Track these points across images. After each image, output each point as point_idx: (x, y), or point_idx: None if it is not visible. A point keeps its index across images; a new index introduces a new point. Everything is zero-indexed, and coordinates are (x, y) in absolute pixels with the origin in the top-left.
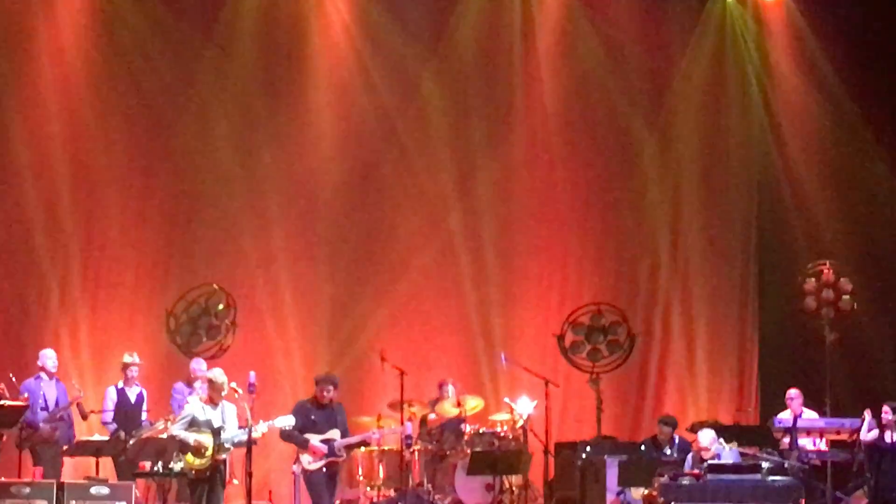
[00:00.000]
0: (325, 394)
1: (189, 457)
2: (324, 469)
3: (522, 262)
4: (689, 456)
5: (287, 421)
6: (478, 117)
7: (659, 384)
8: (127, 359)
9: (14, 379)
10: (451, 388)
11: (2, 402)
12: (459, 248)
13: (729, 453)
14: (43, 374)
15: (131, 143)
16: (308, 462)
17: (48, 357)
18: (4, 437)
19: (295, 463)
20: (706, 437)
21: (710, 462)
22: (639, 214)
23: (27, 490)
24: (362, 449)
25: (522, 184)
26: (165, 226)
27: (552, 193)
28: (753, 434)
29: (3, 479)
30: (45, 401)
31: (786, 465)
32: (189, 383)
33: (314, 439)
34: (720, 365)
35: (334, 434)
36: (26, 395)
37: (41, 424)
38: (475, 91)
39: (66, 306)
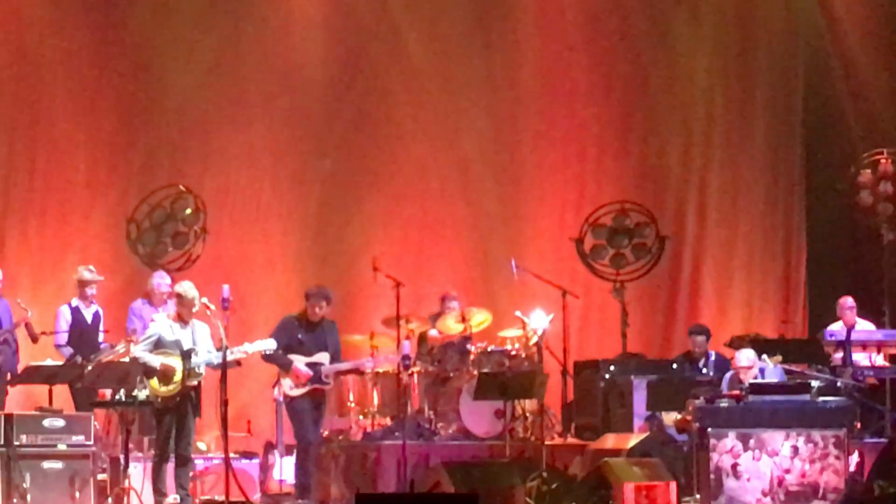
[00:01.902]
0: (316, 310)
1: (154, 383)
2: (308, 395)
3: (534, 153)
4: (727, 377)
5: (267, 345)
6: None
7: (692, 293)
8: (86, 275)
9: None
10: (455, 303)
11: None
12: (462, 137)
13: (773, 371)
14: None
15: (81, 18)
16: (289, 387)
17: None
18: None
19: (275, 386)
20: (745, 356)
21: (752, 382)
22: (667, 99)
23: None
24: None
25: (534, 62)
26: (122, 120)
27: (568, 74)
28: (801, 349)
29: None
30: None
31: (838, 384)
32: (150, 301)
33: (299, 361)
34: (762, 270)
35: (323, 357)
36: None
37: None
38: None
39: (10, 212)
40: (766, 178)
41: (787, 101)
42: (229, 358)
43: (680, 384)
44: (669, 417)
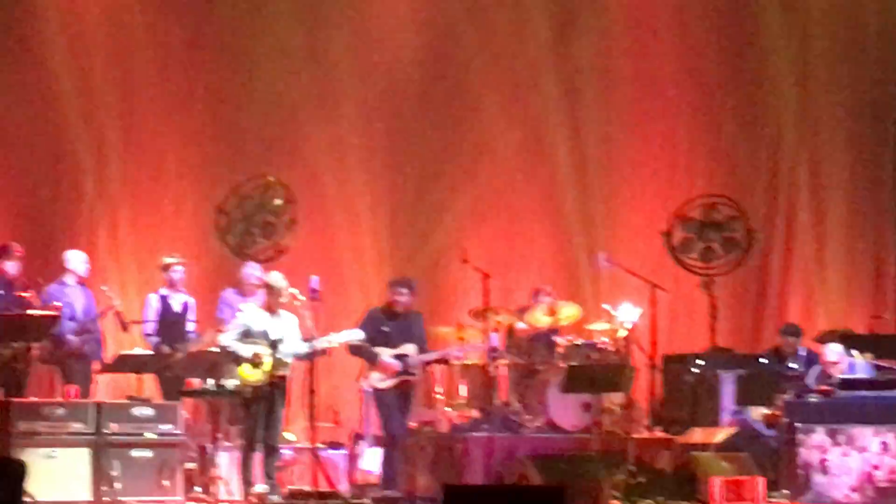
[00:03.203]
0: (399, 299)
1: (243, 372)
2: (395, 387)
3: (623, 147)
4: (814, 371)
5: (355, 335)
6: None
7: (782, 287)
8: (167, 259)
9: (43, 284)
10: (547, 297)
11: (30, 311)
12: (551, 130)
13: (863, 366)
14: (68, 279)
15: (173, 18)
16: (377, 379)
17: (76, 259)
18: (34, 352)
19: (363, 379)
20: (833, 351)
21: (842, 377)
22: (758, 91)
23: (61, 411)
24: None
25: (624, 54)
26: (213, 112)
27: (658, 67)
28: (892, 345)
29: (34, 398)
30: (72, 309)
31: None
32: (240, 291)
33: (385, 353)
34: (853, 265)
35: (409, 348)
36: (56, 303)
37: (69, 336)
38: None
39: (101, 202)
40: (856, 173)
41: (878, 94)
42: (317, 348)
43: (769, 379)
44: (758, 412)
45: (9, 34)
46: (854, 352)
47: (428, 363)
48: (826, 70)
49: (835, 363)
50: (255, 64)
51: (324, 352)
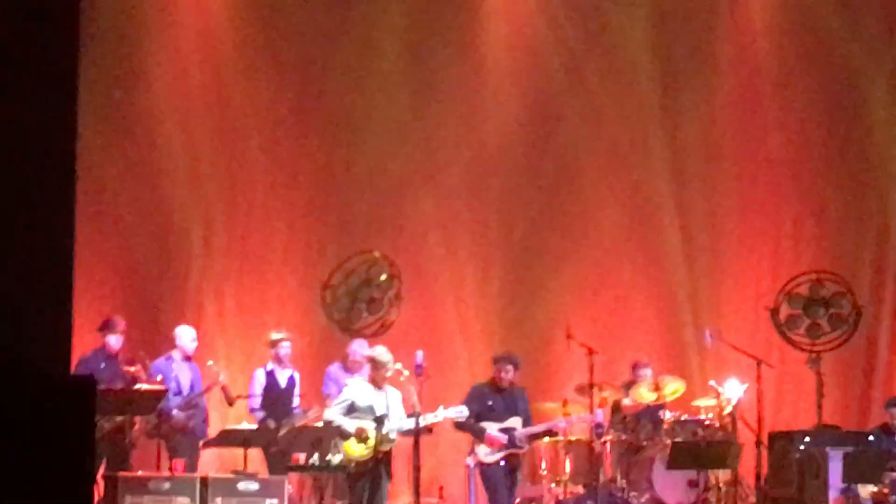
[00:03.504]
0: (503, 375)
1: (348, 447)
2: (502, 462)
3: (729, 222)
4: None
5: (459, 412)
6: (679, 52)
7: (890, 364)
8: (274, 335)
9: (147, 360)
10: (647, 370)
11: (138, 385)
12: (655, 206)
13: None
14: (175, 354)
15: (280, 93)
16: (485, 454)
17: (185, 335)
18: (138, 426)
19: (469, 455)
20: None
21: None
22: (864, 167)
23: (167, 485)
24: (546, 439)
25: (730, 132)
26: (319, 187)
27: (763, 143)
28: None
29: (140, 472)
30: (179, 384)
31: None
32: (345, 366)
33: (492, 428)
34: None
35: (515, 422)
36: (160, 377)
37: (174, 411)
38: (673, 21)
39: (208, 278)
40: None
41: None
42: (421, 424)
43: (877, 456)
44: (866, 490)
45: (120, 108)
46: None
47: (534, 436)
48: None
49: None
50: (361, 138)
51: (429, 429)
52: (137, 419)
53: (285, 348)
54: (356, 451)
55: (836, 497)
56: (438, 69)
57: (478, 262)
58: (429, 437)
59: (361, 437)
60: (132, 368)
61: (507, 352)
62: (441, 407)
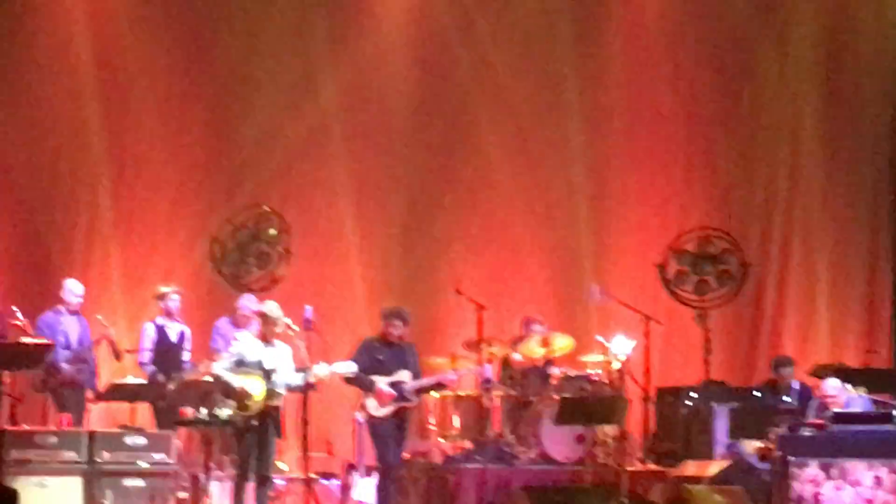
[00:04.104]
0: (393, 330)
1: (235, 403)
2: (391, 416)
3: (619, 180)
4: (813, 405)
5: (348, 367)
6: (567, 10)
7: (776, 321)
8: (162, 288)
9: (20, 315)
10: (538, 326)
11: (24, 339)
12: (547, 163)
13: (859, 400)
14: (63, 308)
15: (171, 48)
16: (374, 407)
17: (70, 289)
18: (24, 381)
19: (358, 409)
20: (831, 386)
21: (835, 411)
22: (753, 127)
23: (54, 440)
24: (435, 394)
25: (619, 89)
26: (209, 141)
27: (654, 99)
28: (886, 379)
29: (26, 426)
30: (67, 338)
31: None
32: (234, 321)
33: (381, 381)
34: (847, 299)
35: (404, 376)
36: (46, 332)
37: (63, 365)
38: None
39: (96, 232)
40: (851, 207)
41: (874, 128)
42: (311, 379)
43: (762, 412)
44: (751, 445)
45: (6, 65)
46: (848, 385)
47: (423, 390)
48: (821, 103)
49: (833, 397)
50: (250, 96)
51: (312, 385)
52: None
53: (174, 301)
54: (244, 406)
55: (721, 452)
56: (329, 28)
57: (368, 217)
58: (318, 392)
59: (245, 396)
60: (19, 322)
61: (396, 307)
62: (323, 363)
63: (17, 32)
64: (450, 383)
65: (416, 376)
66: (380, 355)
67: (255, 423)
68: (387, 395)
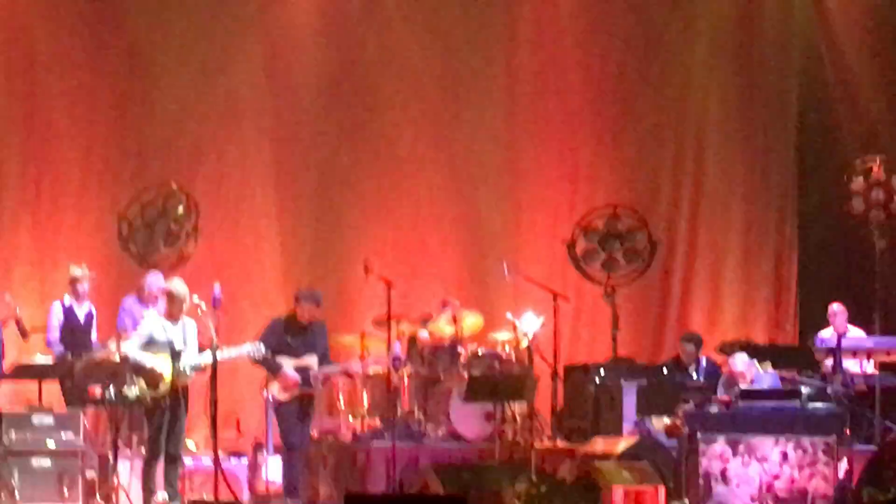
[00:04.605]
0: (304, 313)
1: (144, 382)
2: (296, 400)
3: (528, 157)
4: (721, 382)
5: (254, 349)
6: None
7: (683, 298)
8: (76, 271)
9: None
10: (449, 308)
11: None
12: (455, 139)
13: (766, 377)
14: None
15: (79, 22)
16: (278, 391)
17: None
18: None
19: (264, 388)
20: (740, 361)
21: (741, 388)
22: (660, 105)
23: None
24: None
25: (528, 68)
26: (117, 117)
27: (562, 80)
28: (791, 355)
29: None
30: None
31: (828, 391)
32: (141, 299)
33: (288, 365)
34: (754, 276)
35: (311, 360)
36: None
37: None
38: None
39: (2, 208)
40: (758, 185)
41: (781, 106)
42: (218, 359)
43: (670, 389)
44: (659, 422)
45: None
46: (756, 362)
47: (329, 376)
48: (728, 81)
49: (741, 373)
50: (159, 73)
51: (203, 368)
52: None
53: (84, 286)
54: (151, 390)
55: (630, 429)
56: (239, 6)
57: (277, 195)
58: (227, 370)
59: (155, 378)
60: None
61: (310, 289)
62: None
63: None
64: (354, 374)
65: (324, 359)
66: (288, 337)
67: (164, 402)
68: (291, 381)
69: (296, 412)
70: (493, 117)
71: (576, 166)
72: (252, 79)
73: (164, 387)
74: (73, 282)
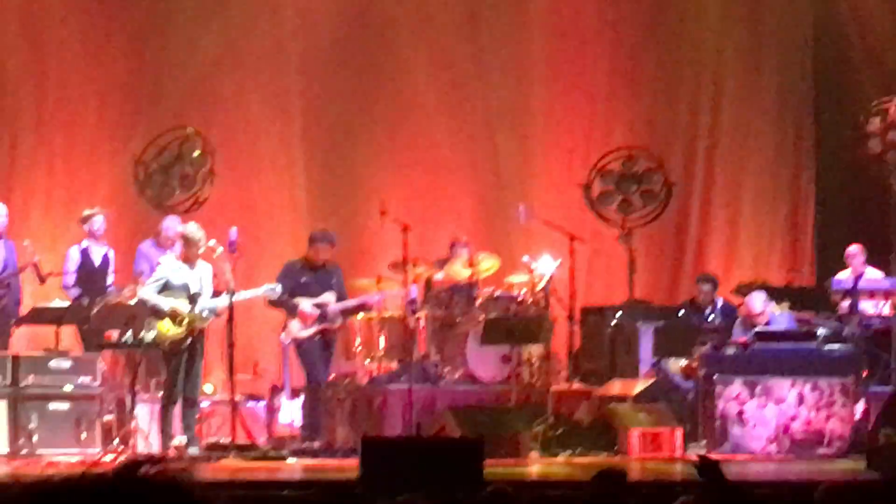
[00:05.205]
0: (319, 254)
1: (162, 325)
2: (317, 337)
3: (542, 99)
4: (737, 322)
5: (273, 289)
6: None
7: (700, 240)
8: (86, 211)
9: None
10: (464, 249)
11: None
12: (469, 82)
13: (782, 318)
14: None
15: None
16: (297, 329)
17: None
18: None
19: (283, 331)
20: (757, 300)
21: (758, 329)
22: (676, 46)
23: None
24: (360, 315)
25: (543, 7)
26: (131, 61)
27: (578, 23)
28: (808, 297)
29: None
30: None
31: (844, 332)
32: (157, 243)
33: (305, 303)
34: (770, 218)
35: (328, 297)
36: None
37: None
38: None
39: (18, 155)
40: (775, 126)
41: (797, 48)
42: (235, 301)
43: (686, 331)
44: (676, 364)
45: None
46: (772, 303)
47: (348, 311)
48: (744, 23)
49: (759, 313)
50: (171, 15)
51: (219, 312)
52: None
53: (98, 223)
54: (170, 329)
55: (646, 370)
56: None
57: (292, 138)
58: (243, 313)
59: (176, 318)
60: None
61: (323, 230)
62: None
63: None
64: (374, 305)
65: (340, 298)
66: (304, 278)
67: (182, 346)
68: (310, 317)
69: (318, 349)
70: (508, 60)
71: (592, 109)
72: (268, 25)
73: (182, 329)
74: (86, 220)
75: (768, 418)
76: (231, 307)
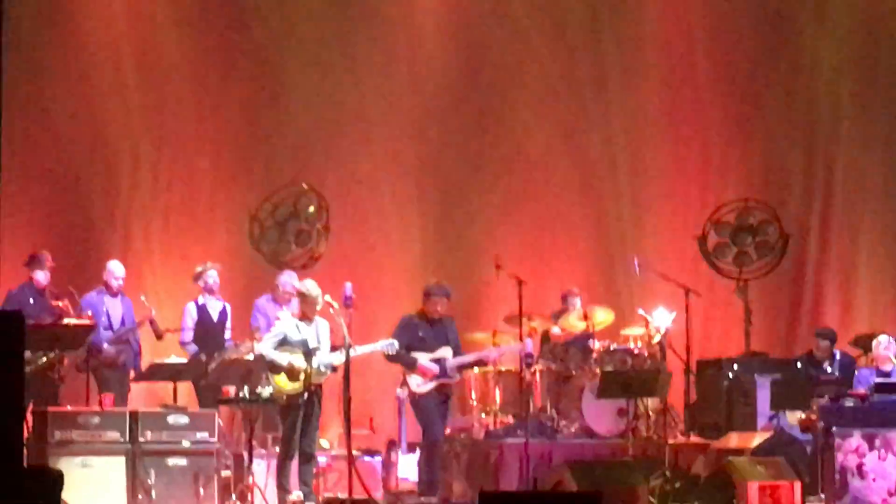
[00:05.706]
0: (437, 307)
1: (279, 380)
2: (434, 392)
3: (658, 150)
4: (861, 372)
5: (391, 344)
6: None
7: (816, 292)
8: (199, 267)
9: (76, 294)
10: (576, 300)
11: (66, 320)
12: (583, 134)
13: None
14: (106, 290)
15: (207, 25)
16: (417, 384)
17: (112, 270)
18: (67, 361)
19: (400, 386)
20: (885, 339)
21: (877, 381)
22: (792, 96)
23: (96, 420)
24: (476, 370)
25: (656, 57)
26: (247, 119)
27: (692, 72)
28: None
29: (69, 407)
30: (109, 319)
31: None
32: (274, 299)
33: (423, 358)
34: (887, 268)
35: (445, 352)
36: (90, 312)
37: (105, 346)
38: None
39: (135, 213)
40: (890, 176)
41: None
42: (352, 356)
43: (804, 383)
44: (793, 416)
45: (47, 42)
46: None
47: (464, 366)
48: (859, 73)
49: (887, 352)
50: (288, 73)
51: (336, 368)
52: (68, 354)
53: (213, 277)
54: (287, 385)
55: (764, 423)
56: (365, 8)
57: (406, 193)
58: (358, 368)
59: (293, 373)
60: (60, 303)
61: (439, 283)
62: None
63: (60, 13)
64: (490, 360)
65: (456, 352)
66: (421, 332)
67: (299, 401)
68: (429, 371)
69: (435, 405)
70: (622, 112)
71: (706, 161)
72: (380, 75)
73: (299, 384)
74: (199, 276)
75: (888, 471)
76: (347, 362)
